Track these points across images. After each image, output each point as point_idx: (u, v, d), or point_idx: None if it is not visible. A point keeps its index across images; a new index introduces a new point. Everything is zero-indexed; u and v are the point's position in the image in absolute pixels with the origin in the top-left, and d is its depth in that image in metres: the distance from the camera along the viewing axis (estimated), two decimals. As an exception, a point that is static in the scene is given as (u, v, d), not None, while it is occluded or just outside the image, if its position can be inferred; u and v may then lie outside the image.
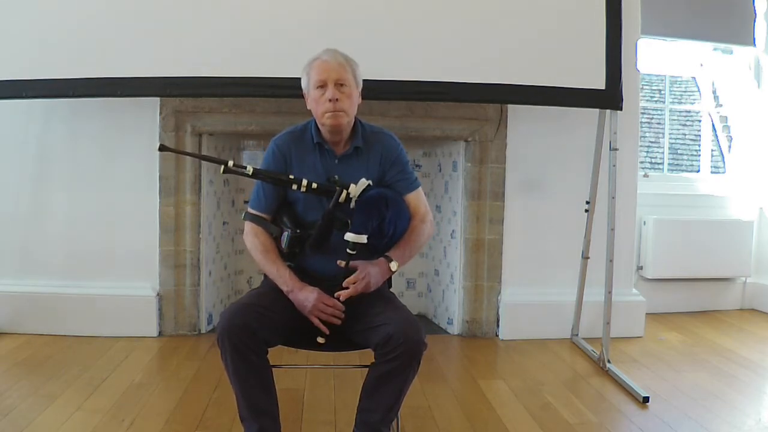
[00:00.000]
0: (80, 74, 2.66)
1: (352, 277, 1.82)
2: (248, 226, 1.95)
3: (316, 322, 1.81)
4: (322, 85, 1.86)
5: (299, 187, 1.85)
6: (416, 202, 1.99)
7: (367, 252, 1.86)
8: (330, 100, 1.84)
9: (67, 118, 3.16)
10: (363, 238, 1.81)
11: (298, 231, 1.88)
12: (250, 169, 1.87)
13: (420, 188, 2.01)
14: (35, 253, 3.21)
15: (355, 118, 1.96)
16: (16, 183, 3.20)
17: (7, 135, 3.18)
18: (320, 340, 1.84)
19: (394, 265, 1.87)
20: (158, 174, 3.18)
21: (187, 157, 3.17)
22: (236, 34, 2.71)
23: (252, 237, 1.93)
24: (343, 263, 1.83)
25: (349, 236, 1.81)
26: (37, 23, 2.69)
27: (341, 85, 1.85)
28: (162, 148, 2.01)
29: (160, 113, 3.16)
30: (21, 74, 2.68)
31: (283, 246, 1.89)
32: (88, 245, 3.21)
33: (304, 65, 1.93)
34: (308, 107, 1.94)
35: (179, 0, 2.72)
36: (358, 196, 1.85)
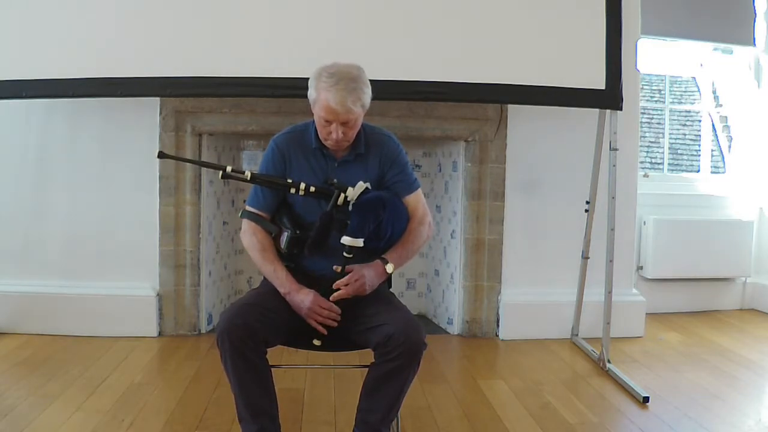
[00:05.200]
0: (80, 74, 2.66)
1: (344, 279, 1.81)
2: (246, 224, 1.94)
3: (313, 324, 1.81)
4: (327, 121, 1.81)
5: (297, 191, 1.85)
6: (415, 203, 1.98)
7: (365, 254, 1.86)
8: (334, 138, 1.82)
9: (67, 118, 3.16)
10: (359, 242, 1.81)
11: (297, 232, 1.87)
12: (248, 174, 1.87)
13: (419, 190, 2.00)
14: (35, 253, 3.21)
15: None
16: (16, 183, 3.19)
17: (7, 135, 3.17)
18: (316, 342, 1.84)
19: (389, 267, 1.87)
20: (158, 174, 3.18)
21: (187, 156, 3.17)
22: (236, 34, 2.71)
23: (250, 235, 1.91)
24: (339, 268, 1.82)
25: (346, 240, 1.81)
26: (37, 23, 2.69)
27: (346, 122, 1.81)
28: (161, 155, 2.02)
29: (160, 113, 3.16)
30: (21, 74, 2.68)
31: (282, 246, 1.89)
32: (88, 245, 3.21)
33: (314, 75, 1.82)
34: (312, 111, 1.88)
35: (179, 0, 2.72)
36: (356, 199, 1.85)
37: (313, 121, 1.90)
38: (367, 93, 1.83)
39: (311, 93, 1.84)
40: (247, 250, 1.94)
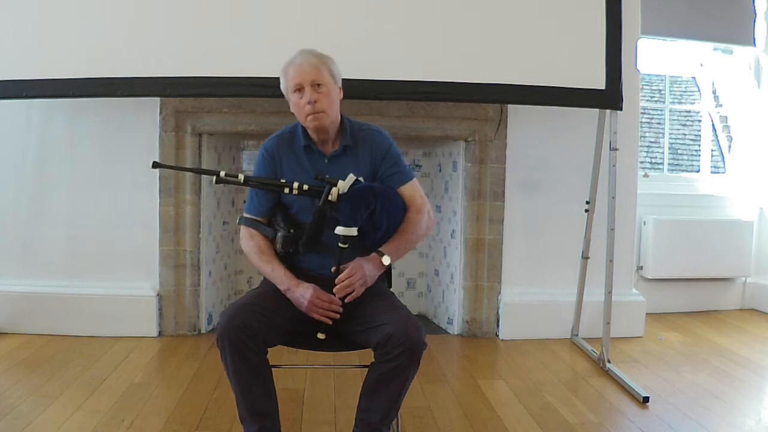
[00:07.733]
0: (80, 74, 2.66)
1: (343, 273, 1.81)
2: (244, 229, 1.97)
3: (316, 317, 1.81)
4: (299, 89, 1.87)
5: (291, 191, 1.86)
6: (411, 193, 1.97)
7: (362, 248, 1.87)
8: (309, 103, 1.85)
9: (68, 118, 3.16)
10: (353, 231, 1.82)
11: (291, 231, 1.89)
12: (241, 178, 1.89)
13: (415, 180, 2.00)
14: (35, 253, 3.21)
15: (342, 116, 1.96)
16: (16, 183, 3.20)
17: (7, 135, 3.17)
18: (320, 336, 1.84)
19: (386, 259, 1.86)
20: (158, 174, 3.18)
21: (187, 156, 3.17)
22: (236, 34, 2.71)
23: (247, 239, 1.95)
24: (335, 269, 1.82)
25: (339, 230, 1.82)
26: (36, 23, 2.69)
27: (318, 85, 1.86)
28: (155, 165, 2.03)
29: (160, 113, 3.16)
30: (21, 74, 2.68)
31: (278, 247, 1.91)
32: (88, 245, 3.21)
33: (281, 69, 1.93)
34: (292, 110, 1.94)
35: (179, 0, 2.72)
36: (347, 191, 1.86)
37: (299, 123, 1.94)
38: (335, 65, 1.92)
39: (282, 84, 1.94)
40: (247, 254, 1.96)
